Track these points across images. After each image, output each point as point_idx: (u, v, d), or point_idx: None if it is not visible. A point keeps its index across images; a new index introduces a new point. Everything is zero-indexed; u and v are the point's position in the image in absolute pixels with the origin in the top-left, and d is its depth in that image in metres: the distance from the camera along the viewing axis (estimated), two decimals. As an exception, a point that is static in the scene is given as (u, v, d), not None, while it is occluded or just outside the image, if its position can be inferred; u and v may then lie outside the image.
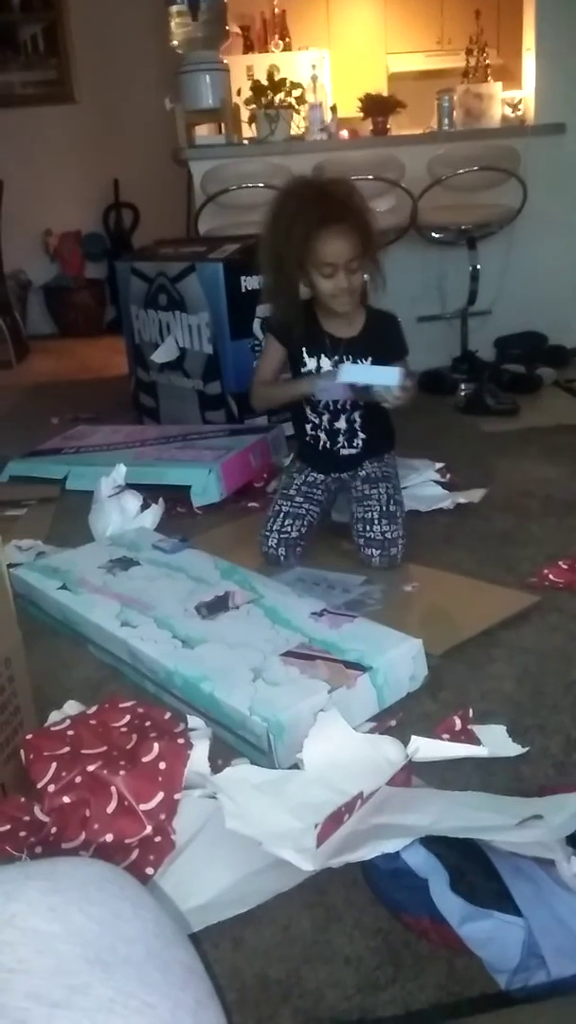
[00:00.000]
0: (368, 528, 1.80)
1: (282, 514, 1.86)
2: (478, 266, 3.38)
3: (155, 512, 2.01)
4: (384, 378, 1.68)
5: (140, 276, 2.91)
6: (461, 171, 3.20)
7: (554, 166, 3.51)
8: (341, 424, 1.88)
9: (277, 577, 1.70)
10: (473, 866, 0.89)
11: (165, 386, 2.94)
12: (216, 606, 1.50)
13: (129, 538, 1.87)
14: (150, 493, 2.06)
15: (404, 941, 0.90)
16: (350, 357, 1.82)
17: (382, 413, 1.88)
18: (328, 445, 1.91)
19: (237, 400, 2.63)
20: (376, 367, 1.73)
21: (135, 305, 2.98)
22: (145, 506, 2.01)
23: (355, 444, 1.90)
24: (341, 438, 1.89)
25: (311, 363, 1.85)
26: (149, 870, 0.98)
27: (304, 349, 1.84)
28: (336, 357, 1.82)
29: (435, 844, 0.90)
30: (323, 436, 1.90)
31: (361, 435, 1.89)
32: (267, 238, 1.76)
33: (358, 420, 1.87)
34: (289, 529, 1.84)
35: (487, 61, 4.99)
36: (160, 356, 2.86)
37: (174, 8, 3.55)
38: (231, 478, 2.22)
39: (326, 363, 1.83)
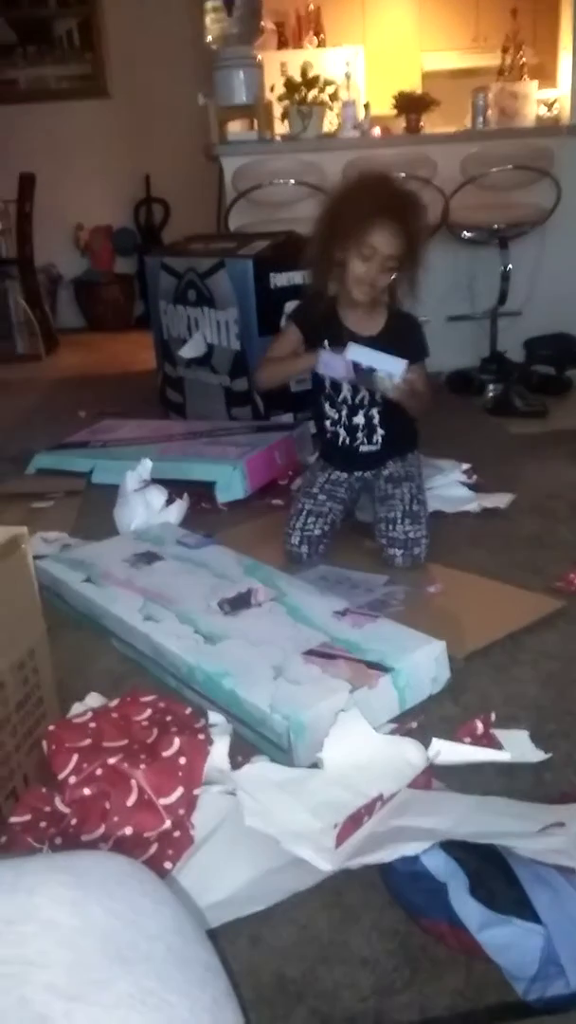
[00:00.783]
0: (391, 528, 1.80)
1: (305, 512, 1.85)
2: (509, 266, 3.35)
3: (180, 507, 2.02)
4: (389, 365, 1.69)
5: (169, 271, 2.92)
6: (494, 170, 3.18)
7: (589, 166, 3.47)
8: (359, 419, 1.87)
9: (300, 575, 1.70)
10: (493, 872, 0.88)
11: (192, 382, 2.95)
12: (239, 603, 1.50)
13: (154, 533, 1.87)
14: (175, 488, 2.06)
15: (421, 944, 0.90)
16: None
17: (402, 411, 1.87)
18: (348, 442, 1.90)
19: (264, 397, 2.63)
20: (384, 354, 1.72)
21: (164, 300, 2.99)
22: (170, 501, 2.01)
23: (375, 441, 1.89)
24: (360, 434, 1.89)
25: None
26: (168, 864, 0.98)
27: (326, 341, 1.84)
28: None
29: (455, 848, 0.89)
30: (342, 432, 1.90)
31: (380, 431, 1.88)
32: (334, 204, 1.79)
33: (376, 416, 1.87)
34: (312, 527, 1.83)
35: (523, 60, 4.96)
36: (188, 352, 2.86)
37: (209, 3, 3.55)
38: (256, 475, 2.22)
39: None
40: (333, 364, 1.75)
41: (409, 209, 1.74)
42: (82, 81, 5.72)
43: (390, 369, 1.69)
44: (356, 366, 1.71)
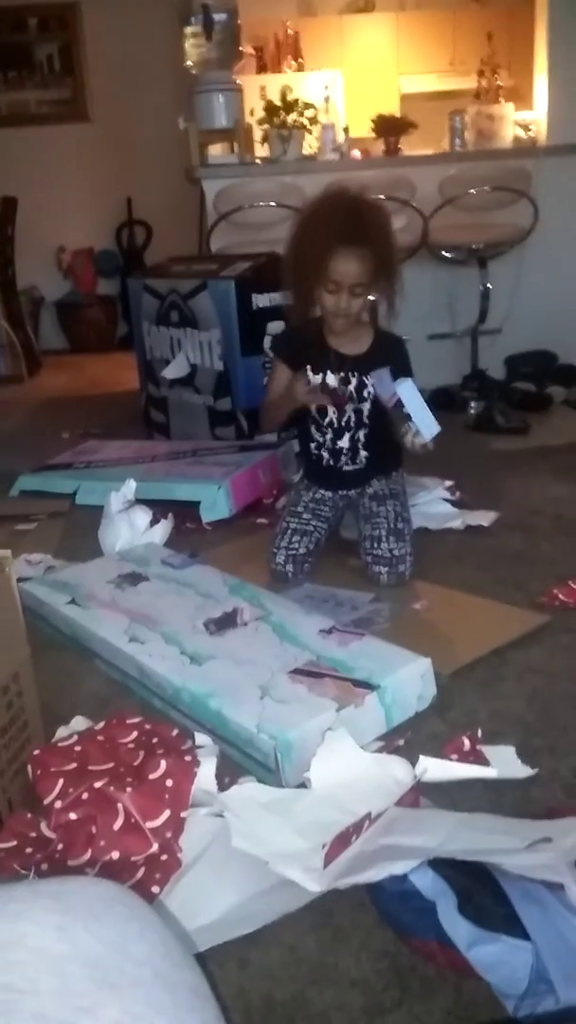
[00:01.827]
0: (376, 545, 1.80)
1: (290, 531, 1.86)
2: (489, 285, 3.39)
3: (164, 527, 2.02)
4: (425, 423, 1.64)
5: (152, 293, 2.93)
6: (472, 191, 3.22)
7: (565, 186, 3.52)
8: (344, 443, 1.88)
9: (286, 594, 1.70)
10: (481, 889, 0.88)
11: (176, 402, 2.95)
12: (224, 622, 1.50)
13: (138, 553, 1.87)
14: (159, 508, 2.06)
15: (411, 964, 0.89)
16: (356, 374, 1.83)
17: (385, 432, 1.89)
18: (332, 462, 1.91)
19: (247, 416, 2.64)
20: (429, 412, 1.67)
21: (147, 321, 3.00)
22: (154, 521, 2.01)
23: (358, 461, 1.90)
24: (344, 456, 1.90)
25: (315, 380, 1.85)
26: (155, 888, 0.97)
27: (309, 367, 1.85)
28: (342, 374, 1.83)
29: (443, 866, 0.89)
30: (326, 454, 1.91)
31: (363, 452, 1.89)
32: (293, 240, 1.77)
33: (362, 439, 1.88)
34: (297, 546, 1.84)
35: (499, 82, 5.04)
36: (171, 372, 2.87)
37: (189, 29, 3.59)
38: (240, 494, 2.22)
39: (332, 379, 1.84)
40: (384, 384, 1.73)
41: (369, 229, 1.71)
42: (63, 105, 5.76)
43: (424, 427, 1.64)
44: (398, 400, 1.68)
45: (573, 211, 3.58)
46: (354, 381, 1.83)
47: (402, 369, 1.85)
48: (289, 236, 1.79)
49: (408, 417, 1.66)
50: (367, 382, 1.83)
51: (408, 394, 1.66)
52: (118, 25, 5.59)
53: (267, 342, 2.60)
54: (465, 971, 0.85)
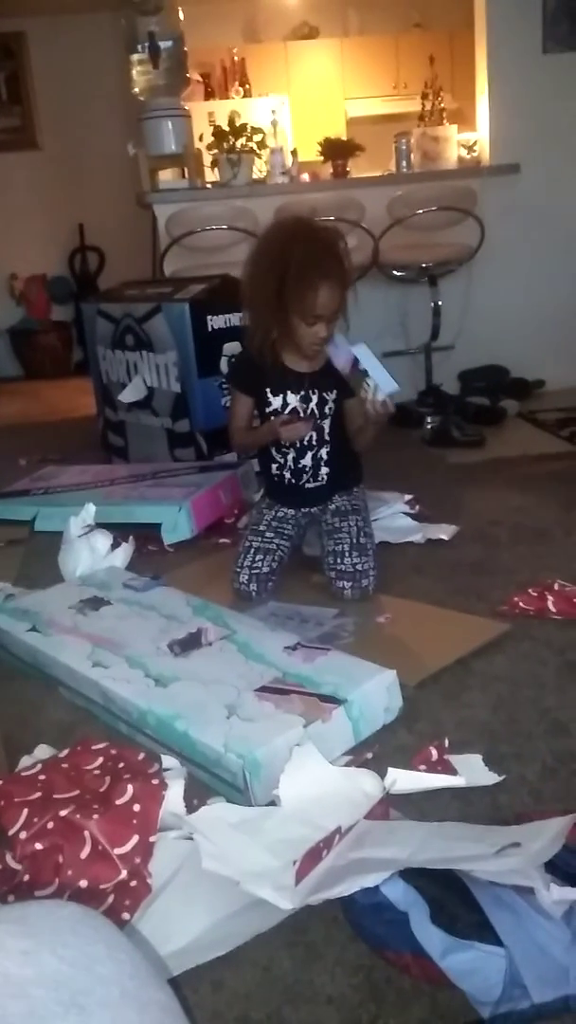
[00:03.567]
0: (339, 561, 1.81)
1: (253, 550, 1.86)
2: (440, 302, 3.45)
3: (125, 551, 2.00)
4: (383, 379, 1.70)
5: (107, 317, 2.93)
6: (420, 211, 3.28)
7: (510, 205, 3.61)
8: (307, 461, 1.89)
9: (250, 612, 1.70)
10: (453, 897, 0.88)
11: (134, 425, 2.95)
12: (189, 643, 1.49)
13: (99, 578, 1.85)
14: (120, 532, 2.05)
15: (386, 977, 0.89)
16: (316, 391, 1.84)
17: (347, 448, 1.90)
18: (293, 481, 1.92)
19: (206, 437, 2.64)
20: (386, 370, 1.72)
21: (102, 346, 2.99)
22: (115, 545, 1.99)
23: (320, 478, 1.92)
24: (306, 475, 1.91)
25: (276, 401, 1.86)
26: (125, 915, 0.96)
27: (268, 389, 1.86)
28: (302, 392, 1.84)
29: (414, 876, 0.89)
30: (287, 474, 1.91)
31: (325, 469, 1.90)
32: (262, 276, 1.73)
33: (324, 456, 1.89)
34: (260, 564, 1.84)
35: (442, 105, 5.15)
36: (128, 396, 2.87)
37: (135, 56, 3.62)
38: (202, 515, 2.22)
39: (292, 399, 1.85)
40: (340, 351, 1.76)
41: (343, 259, 1.73)
42: (12, 133, 5.76)
43: (382, 383, 1.69)
44: (355, 363, 1.72)
45: (518, 228, 3.66)
46: (315, 398, 1.85)
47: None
48: (253, 271, 1.76)
49: (366, 374, 1.70)
50: (327, 398, 1.85)
51: (364, 354, 1.72)
52: (65, 53, 5.62)
53: (223, 363, 2.61)
54: (440, 981, 0.85)
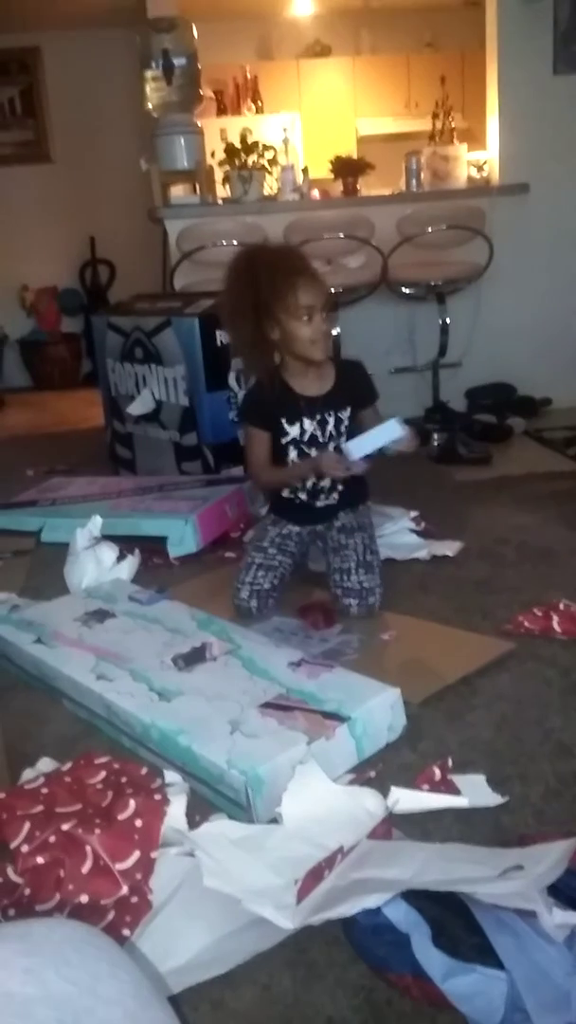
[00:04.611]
0: (346, 578, 1.81)
1: (255, 566, 1.86)
2: (448, 320, 3.46)
3: (131, 563, 2.01)
4: (388, 434, 1.70)
5: (116, 330, 2.94)
6: (429, 230, 3.30)
7: (518, 224, 3.63)
8: (326, 482, 1.89)
9: (255, 627, 1.70)
10: (455, 919, 0.88)
11: (141, 438, 2.96)
12: (193, 658, 1.49)
13: (105, 590, 1.86)
14: (126, 544, 2.05)
15: (387, 999, 0.89)
16: (330, 412, 1.85)
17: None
18: (307, 499, 1.92)
19: (213, 451, 2.65)
20: (376, 430, 1.73)
21: (111, 358, 3.01)
22: (121, 557, 2.00)
23: (331, 497, 1.92)
24: (323, 494, 1.91)
25: (293, 430, 1.86)
26: (126, 931, 0.96)
27: (283, 419, 1.86)
28: (317, 416, 1.85)
29: (416, 898, 0.89)
30: (303, 495, 1.92)
31: (340, 487, 1.91)
32: (239, 300, 1.79)
33: None
34: (262, 581, 1.84)
35: (453, 124, 5.18)
36: (136, 408, 2.88)
37: (149, 73, 3.66)
38: (207, 529, 2.22)
39: (308, 425, 1.85)
40: (353, 466, 1.76)
41: (304, 256, 1.85)
42: (25, 147, 5.81)
43: (391, 436, 1.70)
44: (369, 456, 1.73)
45: (526, 247, 3.68)
46: (331, 420, 1.86)
47: (369, 393, 1.90)
48: (231, 302, 1.83)
49: (383, 449, 1.72)
50: (342, 417, 1.87)
51: (361, 451, 1.71)
52: (79, 68, 5.68)
53: (232, 377, 2.62)
54: (441, 1003, 0.85)
